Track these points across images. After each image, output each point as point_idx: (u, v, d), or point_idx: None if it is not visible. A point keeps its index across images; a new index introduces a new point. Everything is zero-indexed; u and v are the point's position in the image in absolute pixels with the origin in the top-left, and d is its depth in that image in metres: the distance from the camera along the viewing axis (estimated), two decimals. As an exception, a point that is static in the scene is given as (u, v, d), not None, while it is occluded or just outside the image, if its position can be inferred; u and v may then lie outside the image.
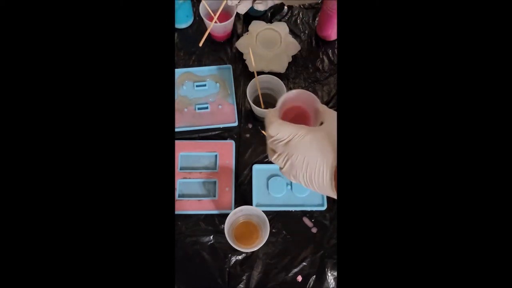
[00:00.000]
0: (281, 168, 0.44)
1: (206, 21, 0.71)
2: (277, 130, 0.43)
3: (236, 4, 0.61)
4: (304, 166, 0.42)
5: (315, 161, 0.41)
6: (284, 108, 0.47)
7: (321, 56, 0.78)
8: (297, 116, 0.47)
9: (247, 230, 0.64)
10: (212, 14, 0.69)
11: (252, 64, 0.73)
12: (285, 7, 0.82)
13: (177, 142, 0.69)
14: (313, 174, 0.42)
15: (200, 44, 0.60)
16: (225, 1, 0.61)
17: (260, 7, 0.62)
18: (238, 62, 0.77)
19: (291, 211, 0.66)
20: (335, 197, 0.42)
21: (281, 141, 0.42)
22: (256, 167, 0.68)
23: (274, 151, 0.44)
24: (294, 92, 0.45)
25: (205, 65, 0.77)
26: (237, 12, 0.72)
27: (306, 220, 0.66)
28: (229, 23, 0.72)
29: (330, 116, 0.44)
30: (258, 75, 0.68)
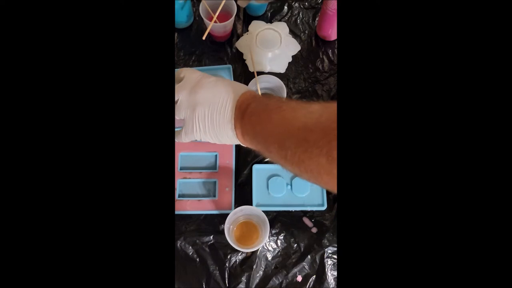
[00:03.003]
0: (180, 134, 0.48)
1: (206, 21, 0.71)
2: (186, 73, 0.47)
3: None
4: (208, 101, 0.45)
5: (219, 95, 0.44)
6: None
7: (321, 56, 0.78)
8: None
9: (247, 230, 0.64)
10: (212, 14, 0.69)
11: (252, 64, 0.73)
12: (285, 7, 0.82)
13: (177, 142, 0.69)
14: (216, 109, 0.44)
15: (203, 38, 0.60)
16: (224, 1, 0.61)
17: (260, 1, 0.62)
18: (238, 62, 0.77)
19: (291, 211, 0.66)
20: (233, 138, 0.45)
21: (189, 83, 0.46)
22: (256, 167, 0.68)
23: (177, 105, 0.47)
24: None
25: (205, 65, 0.77)
26: (237, 12, 0.72)
27: (306, 220, 0.66)
28: (229, 23, 0.72)
29: None
30: (258, 75, 0.68)
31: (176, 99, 0.47)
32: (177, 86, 0.47)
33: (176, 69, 0.50)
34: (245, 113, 0.43)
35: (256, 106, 0.43)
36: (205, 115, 0.45)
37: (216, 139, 0.47)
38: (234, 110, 0.43)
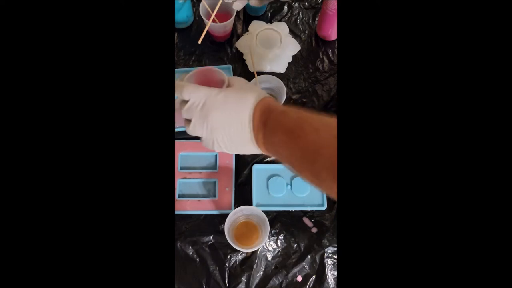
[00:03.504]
0: (203, 140, 0.44)
1: (206, 21, 0.71)
2: (190, 94, 0.42)
3: (232, 1, 0.61)
4: (223, 123, 0.41)
5: (233, 115, 0.41)
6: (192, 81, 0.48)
7: (321, 56, 0.78)
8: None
9: (247, 230, 0.64)
10: (211, 13, 0.69)
11: (252, 64, 0.73)
12: (285, 7, 0.82)
13: (177, 142, 0.69)
14: (233, 130, 0.41)
15: (199, 42, 0.60)
16: (220, 1, 0.61)
17: (255, 3, 0.61)
18: (238, 62, 0.77)
19: (291, 211, 0.66)
20: (257, 152, 0.43)
21: (196, 106, 0.42)
22: (256, 167, 0.68)
23: (189, 121, 0.44)
24: (199, 69, 0.47)
25: (205, 65, 0.77)
26: (237, 12, 0.72)
27: (306, 220, 0.66)
28: (229, 23, 0.72)
29: (236, 80, 0.45)
30: (258, 75, 0.68)
31: (187, 118, 0.44)
32: (185, 109, 0.43)
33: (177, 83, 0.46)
34: (265, 132, 0.40)
35: (274, 124, 0.40)
36: (223, 137, 0.42)
37: (241, 152, 0.45)
38: (253, 129, 0.41)
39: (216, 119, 0.41)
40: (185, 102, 0.44)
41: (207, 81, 0.47)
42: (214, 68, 0.48)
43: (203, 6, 0.70)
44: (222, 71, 0.47)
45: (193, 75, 0.48)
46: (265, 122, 0.41)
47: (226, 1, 0.61)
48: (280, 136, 0.39)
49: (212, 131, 0.42)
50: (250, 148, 0.43)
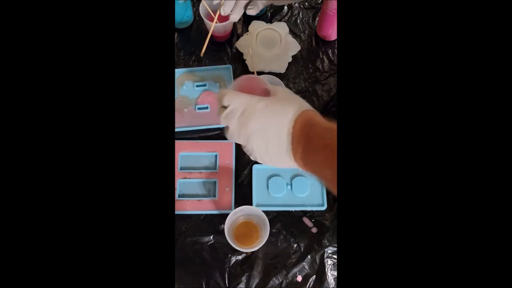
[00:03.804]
0: (244, 147, 0.44)
1: (206, 21, 0.71)
2: (230, 100, 0.42)
3: (229, 13, 0.62)
4: (261, 133, 0.41)
5: (272, 125, 0.40)
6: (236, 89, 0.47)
7: (321, 56, 0.78)
8: None
9: (247, 230, 0.64)
10: (212, 15, 0.69)
11: (252, 64, 0.73)
12: (285, 7, 0.82)
13: (177, 142, 0.69)
14: (270, 141, 0.40)
15: (201, 54, 0.60)
16: (220, 7, 0.62)
17: (252, 12, 0.62)
18: (238, 62, 0.77)
19: (291, 211, 0.66)
20: (292, 166, 0.42)
21: (236, 113, 0.41)
22: (256, 167, 0.68)
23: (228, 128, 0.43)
24: (244, 77, 0.48)
25: (205, 65, 0.77)
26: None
27: (306, 220, 0.66)
28: (229, 23, 0.72)
29: (280, 90, 0.45)
30: (258, 75, 0.68)
31: (225, 125, 0.44)
32: (224, 114, 0.43)
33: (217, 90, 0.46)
34: (305, 147, 0.39)
35: (318, 141, 0.38)
36: (259, 147, 0.41)
37: (274, 165, 0.44)
38: (291, 142, 0.40)
39: (254, 127, 0.41)
40: (224, 108, 0.43)
41: (250, 89, 0.47)
42: (258, 76, 0.48)
43: (203, 6, 0.70)
44: (267, 81, 0.46)
45: (237, 82, 0.47)
46: (307, 136, 0.39)
47: (222, 14, 0.61)
48: (324, 155, 0.37)
49: (249, 139, 0.41)
50: (285, 161, 0.41)
